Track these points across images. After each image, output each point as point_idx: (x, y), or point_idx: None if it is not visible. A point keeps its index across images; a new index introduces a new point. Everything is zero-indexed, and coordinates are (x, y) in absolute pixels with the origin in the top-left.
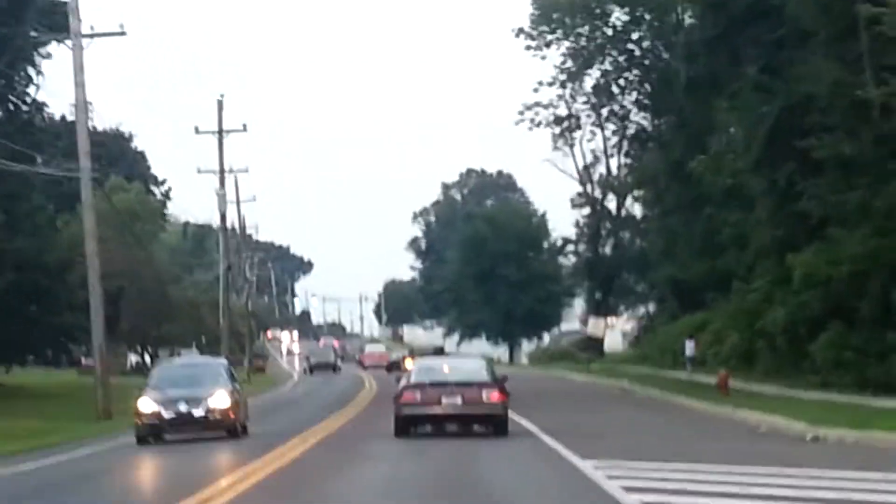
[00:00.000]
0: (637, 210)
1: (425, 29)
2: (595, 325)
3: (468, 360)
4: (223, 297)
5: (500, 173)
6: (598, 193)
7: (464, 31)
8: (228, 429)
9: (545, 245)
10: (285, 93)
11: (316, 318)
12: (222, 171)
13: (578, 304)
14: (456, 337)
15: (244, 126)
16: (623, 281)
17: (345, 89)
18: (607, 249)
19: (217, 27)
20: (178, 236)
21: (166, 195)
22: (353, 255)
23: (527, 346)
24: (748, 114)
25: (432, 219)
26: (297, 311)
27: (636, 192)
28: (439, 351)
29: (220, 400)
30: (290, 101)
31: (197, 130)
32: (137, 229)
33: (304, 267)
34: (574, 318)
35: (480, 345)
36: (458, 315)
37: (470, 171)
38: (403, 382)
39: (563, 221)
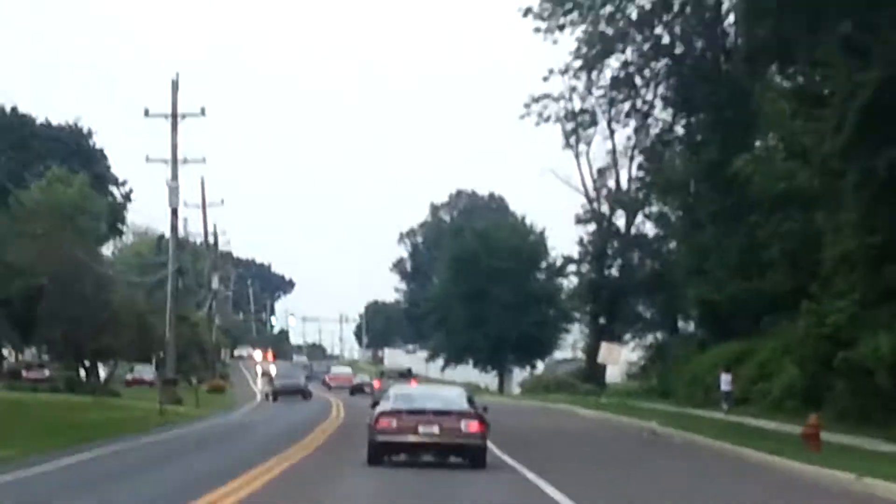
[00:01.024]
0: (649, 228)
1: (414, 18)
2: (608, 352)
3: (447, 388)
4: (170, 304)
5: (491, 195)
6: (605, 209)
7: (459, 21)
8: None
9: (544, 265)
10: (258, 91)
11: (295, 339)
12: (175, 160)
13: (577, 330)
14: (440, 361)
15: (202, 110)
16: (629, 306)
17: (324, 98)
18: (614, 271)
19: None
20: (149, 247)
21: (127, 197)
22: (335, 274)
23: (518, 375)
24: (838, 83)
25: (419, 240)
26: (276, 330)
27: (653, 206)
28: (407, 373)
29: None
30: (263, 97)
31: (147, 113)
32: (79, 226)
33: (286, 286)
34: (569, 346)
35: (467, 371)
36: (444, 338)
37: (460, 192)
38: (379, 409)
39: (562, 241)
